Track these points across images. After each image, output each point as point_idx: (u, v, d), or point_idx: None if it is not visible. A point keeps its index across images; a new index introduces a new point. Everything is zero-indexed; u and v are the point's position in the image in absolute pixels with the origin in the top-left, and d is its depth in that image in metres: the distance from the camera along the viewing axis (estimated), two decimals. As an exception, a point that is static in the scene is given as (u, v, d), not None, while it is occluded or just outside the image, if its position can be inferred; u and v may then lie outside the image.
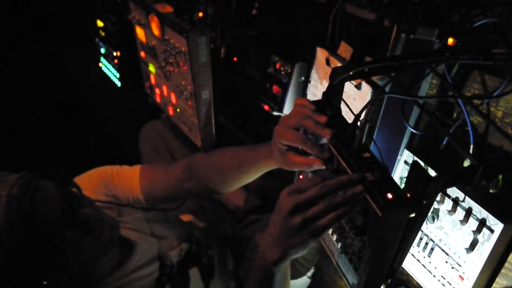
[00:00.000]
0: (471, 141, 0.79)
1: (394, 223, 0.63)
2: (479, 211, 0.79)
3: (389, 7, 0.91)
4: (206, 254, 1.20)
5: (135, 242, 1.07)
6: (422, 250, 0.93)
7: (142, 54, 1.61)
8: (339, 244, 0.77)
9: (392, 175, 0.93)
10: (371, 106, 0.71)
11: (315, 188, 0.68)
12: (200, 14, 1.22)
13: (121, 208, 1.12)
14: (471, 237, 0.81)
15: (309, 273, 1.43)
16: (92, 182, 1.12)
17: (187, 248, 1.16)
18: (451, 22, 0.85)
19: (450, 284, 0.87)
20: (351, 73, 0.74)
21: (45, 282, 0.85)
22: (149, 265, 1.06)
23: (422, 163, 0.89)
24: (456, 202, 0.84)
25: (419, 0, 0.88)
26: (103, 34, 1.94)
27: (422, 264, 0.94)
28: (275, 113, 1.29)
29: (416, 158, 0.91)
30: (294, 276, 1.38)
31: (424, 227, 0.92)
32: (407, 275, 1.01)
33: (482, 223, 0.79)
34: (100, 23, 1.92)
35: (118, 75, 1.92)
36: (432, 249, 0.91)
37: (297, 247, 0.71)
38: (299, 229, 0.69)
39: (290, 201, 0.69)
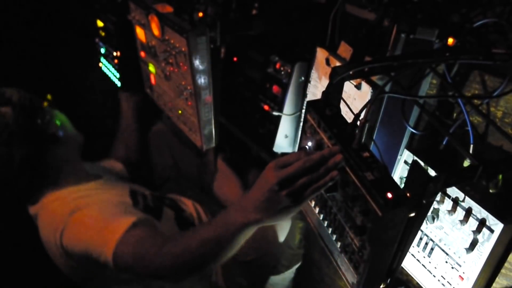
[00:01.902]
0: (471, 141, 0.79)
1: (393, 223, 0.63)
2: (479, 211, 0.79)
3: (389, 7, 0.91)
4: (188, 213, 1.35)
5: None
6: (422, 250, 0.93)
7: (142, 54, 1.61)
8: (339, 243, 0.77)
9: (392, 175, 0.94)
10: (371, 105, 0.71)
11: (299, 163, 0.71)
12: (200, 14, 1.21)
13: None
14: (471, 237, 0.81)
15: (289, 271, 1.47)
16: None
17: (159, 195, 1.35)
18: (451, 22, 0.84)
19: (450, 284, 0.87)
20: (350, 72, 0.74)
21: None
22: (119, 183, 1.27)
23: (422, 163, 0.89)
24: (456, 202, 0.84)
25: (419, 0, 0.88)
26: (103, 34, 1.93)
27: (422, 264, 0.94)
28: (275, 113, 1.29)
29: (416, 158, 0.91)
30: (272, 273, 1.44)
31: (424, 227, 0.92)
32: (407, 275, 1.01)
33: (482, 223, 0.79)
34: (100, 23, 1.91)
35: (118, 75, 1.92)
36: (432, 249, 0.91)
37: (277, 215, 0.74)
38: (283, 200, 0.72)
39: (276, 175, 0.71)
